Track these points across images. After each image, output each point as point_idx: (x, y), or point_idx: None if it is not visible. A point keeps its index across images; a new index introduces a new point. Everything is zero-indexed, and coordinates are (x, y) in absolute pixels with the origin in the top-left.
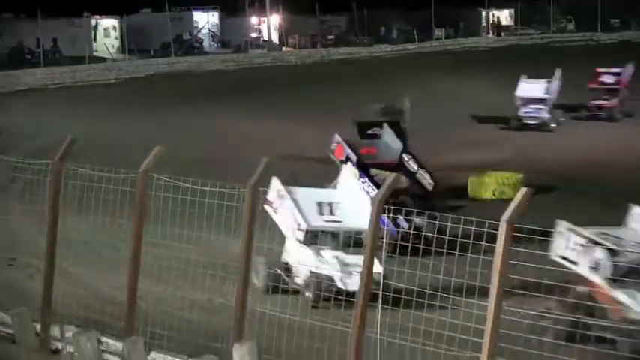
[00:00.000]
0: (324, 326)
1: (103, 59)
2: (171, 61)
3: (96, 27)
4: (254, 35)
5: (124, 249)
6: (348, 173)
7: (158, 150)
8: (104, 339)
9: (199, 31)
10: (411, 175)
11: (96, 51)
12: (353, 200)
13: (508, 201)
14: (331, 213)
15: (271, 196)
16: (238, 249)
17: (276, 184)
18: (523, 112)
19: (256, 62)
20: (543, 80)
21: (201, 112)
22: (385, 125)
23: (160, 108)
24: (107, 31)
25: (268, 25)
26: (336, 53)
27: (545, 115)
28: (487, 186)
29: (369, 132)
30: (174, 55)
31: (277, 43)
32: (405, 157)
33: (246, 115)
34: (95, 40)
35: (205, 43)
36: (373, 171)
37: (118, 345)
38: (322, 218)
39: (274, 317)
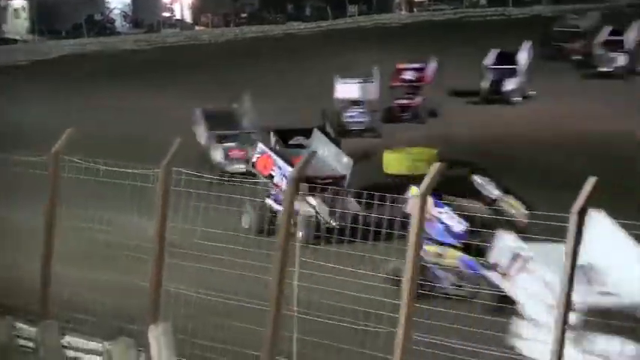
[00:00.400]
0: (241, 305)
1: (14, 41)
2: (84, 42)
3: (6, 8)
4: (167, 14)
5: (39, 233)
6: (602, 219)
7: (70, 131)
8: (18, 324)
9: (111, 11)
10: (491, 203)
11: (7, 33)
12: (619, 259)
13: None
14: (597, 282)
15: (499, 256)
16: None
17: (508, 240)
18: (346, 116)
19: (169, 41)
20: (359, 80)
21: (115, 93)
22: (315, 131)
23: (72, 90)
24: (17, 11)
25: (181, 3)
26: (249, 31)
27: (368, 118)
28: (402, 161)
29: (292, 142)
30: (86, 36)
31: (190, 21)
32: (478, 178)
33: (160, 96)
34: (6, 21)
35: (117, 23)
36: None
37: (32, 330)
38: (592, 290)
39: (190, 297)
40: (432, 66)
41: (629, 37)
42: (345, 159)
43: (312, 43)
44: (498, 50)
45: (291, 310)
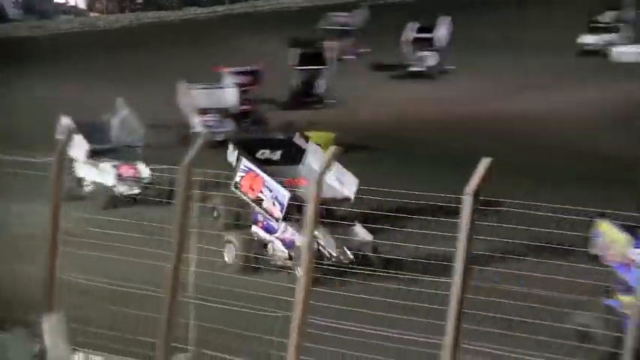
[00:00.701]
0: (139, 293)
1: None
2: None
3: None
4: (60, 1)
5: None
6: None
7: None
8: None
9: None
10: None
11: None
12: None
13: None
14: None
15: None
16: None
17: None
18: (201, 123)
19: (63, 28)
20: (203, 85)
21: (4, 82)
22: (310, 143)
23: None
24: None
25: None
26: (145, 17)
27: (229, 127)
28: None
29: (260, 155)
30: None
31: (85, 7)
32: None
33: (51, 83)
34: None
35: (9, 10)
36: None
37: None
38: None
39: (88, 286)
40: (260, 69)
41: (439, 35)
42: (350, 177)
43: (208, 29)
44: (300, 51)
45: (187, 297)
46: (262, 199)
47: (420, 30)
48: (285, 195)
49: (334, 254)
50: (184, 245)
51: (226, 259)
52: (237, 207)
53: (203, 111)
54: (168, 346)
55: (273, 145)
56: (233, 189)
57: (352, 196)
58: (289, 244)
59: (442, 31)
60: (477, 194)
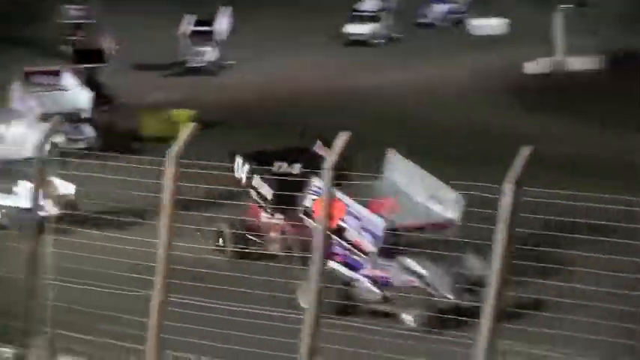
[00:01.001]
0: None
1: None
2: None
3: None
4: None
5: None
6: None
7: None
8: None
9: None
10: None
11: None
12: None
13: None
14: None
15: None
16: None
17: None
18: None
19: None
20: (42, 87)
21: None
22: (393, 153)
23: None
24: None
25: None
26: None
27: (90, 134)
28: (158, 122)
29: (276, 169)
30: None
31: None
32: None
33: None
34: None
35: None
36: None
37: None
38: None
39: None
40: (62, 70)
41: (219, 27)
42: (450, 194)
43: None
44: (72, 47)
45: (46, 279)
46: (344, 229)
47: (199, 23)
48: (378, 224)
49: (450, 297)
50: (42, 229)
51: (302, 303)
52: (245, 232)
53: (47, 117)
54: (28, 329)
55: (289, 157)
56: (302, 216)
57: (457, 219)
58: (383, 283)
59: (222, 24)
60: (335, 168)
